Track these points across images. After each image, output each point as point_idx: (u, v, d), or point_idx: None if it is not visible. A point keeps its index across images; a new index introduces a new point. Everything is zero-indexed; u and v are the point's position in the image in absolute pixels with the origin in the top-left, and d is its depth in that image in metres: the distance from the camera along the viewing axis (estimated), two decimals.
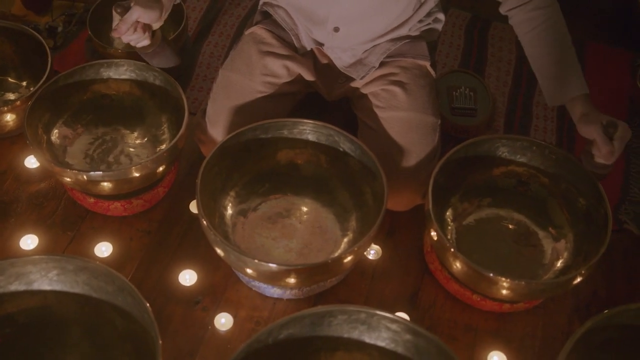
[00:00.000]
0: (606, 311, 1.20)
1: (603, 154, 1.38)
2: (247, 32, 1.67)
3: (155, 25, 1.48)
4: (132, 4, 1.41)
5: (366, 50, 1.59)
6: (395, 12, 1.50)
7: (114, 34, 1.43)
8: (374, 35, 1.56)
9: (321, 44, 1.61)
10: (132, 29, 1.42)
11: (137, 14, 1.40)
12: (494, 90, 2.05)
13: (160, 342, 1.13)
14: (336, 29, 1.54)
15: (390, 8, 1.49)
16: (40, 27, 2.09)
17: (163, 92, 1.68)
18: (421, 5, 1.52)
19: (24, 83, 1.92)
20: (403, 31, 1.55)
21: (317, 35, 1.59)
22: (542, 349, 1.50)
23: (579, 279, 1.38)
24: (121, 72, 1.69)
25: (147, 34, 1.47)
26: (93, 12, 2.01)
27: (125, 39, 1.45)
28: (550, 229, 1.60)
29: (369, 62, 1.59)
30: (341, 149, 1.54)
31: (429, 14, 1.55)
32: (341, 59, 1.61)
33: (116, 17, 1.43)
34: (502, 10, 1.49)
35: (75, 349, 1.35)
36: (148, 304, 1.18)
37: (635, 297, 1.60)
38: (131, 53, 1.92)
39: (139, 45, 1.49)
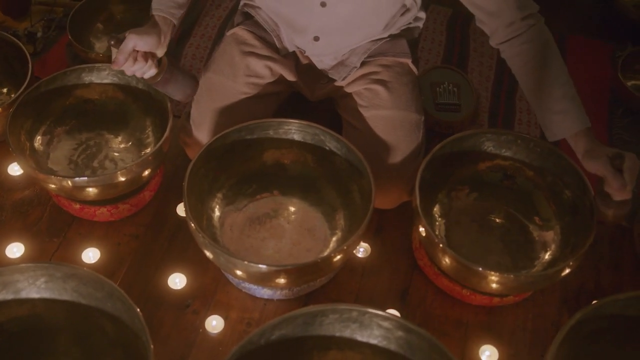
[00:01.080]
0: (595, 302, 1.21)
1: (615, 189, 1.31)
2: (228, 34, 1.66)
3: (160, 52, 1.45)
4: (126, 34, 1.38)
5: (347, 52, 1.58)
6: (376, 25, 1.51)
7: (113, 67, 1.39)
8: (354, 44, 1.56)
9: (302, 50, 1.60)
10: (131, 59, 1.38)
11: (133, 42, 1.37)
12: (477, 85, 2.06)
13: (152, 347, 1.13)
14: (316, 38, 1.54)
15: (371, 22, 1.49)
16: (19, 33, 2.07)
17: (146, 95, 1.67)
18: (403, 14, 1.51)
19: (5, 90, 1.90)
20: (384, 34, 1.56)
21: (298, 42, 1.59)
22: (532, 341, 1.51)
23: (567, 271, 1.39)
24: (103, 76, 1.68)
25: (150, 62, 1.43)
26: (73, 17, 1.99)
27: (128, 71, 1.41)
28: (537, 221, 1.60)
29: (350, 62, 1.60)
30: (327, 148, 1.54)
31: (407, 10, 1.55)
32: (323, 61, 1.61)
33: (113, 51, 1.39)
34: (492, 43, 1.45)
35: (66, 357, 1.34)
36: (138, 309, 1.18)
37: (623, 287, 1.61)
38: None
39: (146, 76, 1.45)
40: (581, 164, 1.38)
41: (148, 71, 1.44)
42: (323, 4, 1.44)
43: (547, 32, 1.40)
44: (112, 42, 1.38)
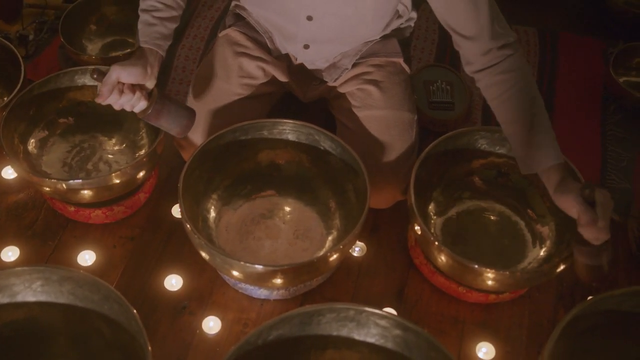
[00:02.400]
0: (591, 297, 1.21)
1: (585, 224, 1.23)
2: (220, 35, 1.66)
3: (149, 84, 1.40)
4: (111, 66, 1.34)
5: (339, 54, 1.59)
6: (366, 34, 1.51)
7: (98, 100, 1.34)
8: (345, 50, 1.56)
9: (294, 56, 1.61)
10: (116, 91, 1.33)
11: (116, 73, 1.32)
12: (470, 83, 2.05)
13: (150, 349, 1.13)
14: (306, 46, 1.54)
15: (359, 32, 1.49)
16: (10, 36, 2.07)
17: None
18: (394, 18, 1.51)
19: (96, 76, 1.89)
20: (376, 38, 1.56)
21: (289, 49, 1.60)
22: (529, 338, 1.51)
23: (562, 267, 1.40)
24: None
25: (139, 94, 1.37)
26: (64, 19, 1.99)
27: (116, 104, 1.36)
28: (531, 218, 1.61)
29: (342, 64, 1.60)
30: (322, 148, 1.54)
31: (399, 17, 1.55)
32: (314, 64, 1.61)
33: (98, 84, 1.35)
34: (468, 71, 1.41)
35: None
36: (135, 311, 1.17)
37: (617, 283, 1.62)
38: (105, 59, 1.91)
39: (136, 109, 1.40)
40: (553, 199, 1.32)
41: (137, 104, 1.38)
42: (309, 18, 1.45)
43: (525, 63, 1.37)
44: (95, 75, 1.34)
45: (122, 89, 1.34)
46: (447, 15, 1.36)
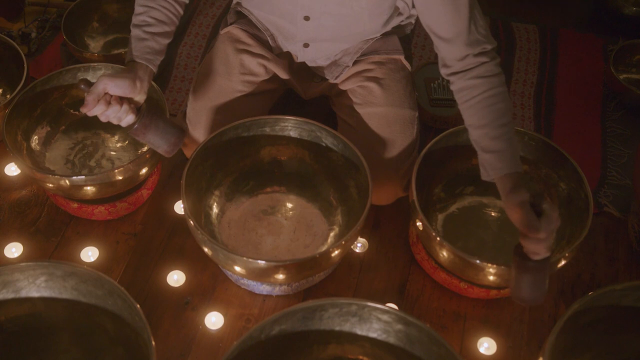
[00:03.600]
0: (592, 292, 1.22)
1: (528, 231, 1.20)
2: (222, 32, 1.66)
3: (139, 98, 1.37)
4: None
5: (340, 52, 1.59)
6: (364, 32, 1.51)
7: (82, 110, 1.31)
8: (345, 47, 1.56)
9: (295, 55, 1.61)
10: (103, 102, 1.31)
11: (103, 84, 1.30)
12: None
13: (154, 344, 1.13)
14: (306, 45, 1.54)
15: (357, 30, 1.49)
16: (13, 34, 2.07)
17: None
18: (393, 16, 1.52)
19: (0, 90, 1.90)
20: (376, 35, 1.56)
21: (289, 47, 1.60)
22: (530, 333, 1.52)
23: (562, 262, 1.40)
24: (99, 75, 1.67)
25: (126, 107, 1.34)
26: (67, 17, 1.99)
27: (102, 116, 1.33)
28: None
29: (343, 62, 1.60)
30: (324, 144, 1.55)
31: (399, 14, 1.56)
32: (315, 61, 1.61)
33: (86, 95, 1.32)
34: (443, 74, 1.40)
35: (67, 355, 1.34)
36: (139, 306, 1.18)
37: (618, 278, 1.63)
38: (108, 56, 1.91)
39: (123, 123, 1.36)
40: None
41: (124, 117, 1.35)
42: (306, 18, 1.45)
43: (499, 73, 1.35)
44: (82, 85, 1.33)
45: (110, 100, 1.32)
46: (427, 15, 1.37)
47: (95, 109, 1.31)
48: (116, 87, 1.31)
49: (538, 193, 1.23)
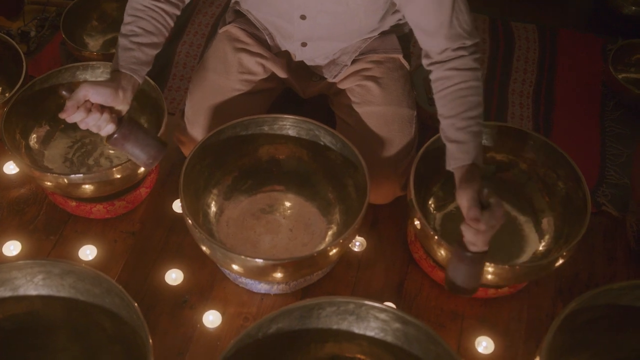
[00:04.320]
0: (589, 291, 1.22)
1: (467, 220, 1.24)
2: (221, 31, 1.66)
3: (121, 108, 1.35)
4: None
5: (338, 51, 1.59)
6: (361, 29, 1.51)
7: (61, 115, 1.30)
8: (343, 46, 1.56)
9: (293, 54, 1.61)
10: (83, 109, 1.29)
11: (84, 91, 1.29)
12: None
13: (151, 342, 1.13)
14: (303, 44, 1.55)
15: (354, 27, 1.49)
16: (12, 33, 2.07)
17: (141, 93, 1.67)
18: (393, 13, 1.52)
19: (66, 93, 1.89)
20: (374, 33, 1.56)
21: (287, 46, 1.60)
22: (527, 332, 1.52)
23: (560, 261, 1.41)
24: (97, 74, 1.68)
25: (107, 116, 1.32)
26: (66, 16, 1.99)
27: (82, 123, 1.31)
28: (530, 213, 1.62)
29: (341, 61, 1.60)
30: (322, 143, 1.55)
31: (396, 11, 1.56)
32: (314, 60, 1.61)
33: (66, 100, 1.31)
34: (424, 64, 1.41)
35: (64, 354, 1.34)
36: (136, 304, 1.18)
37: (616, 278, 1.63)
38: (107, 55, 1.91)
39: (103, 132, 1.34)
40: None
41: (104, 126, 1.33)
42: (303, 17, 1.45)
43: (476, 67, 1.36)
44: (64, 92, 1.31)
45: (90, 108, 1.30)
46: (409, 8, 1.38)
47: (74, 116, 1.30)
48: (97, 94, 1.30)
49: (489, 188, 1.25)
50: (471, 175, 1.30)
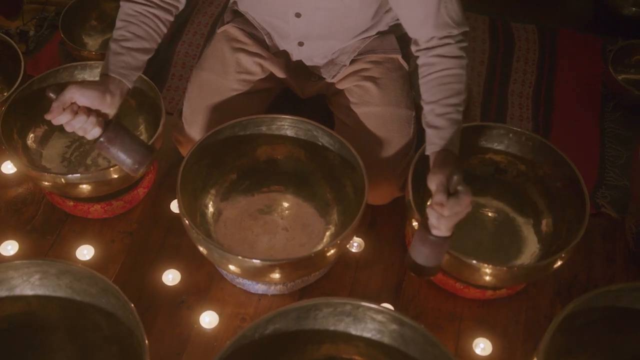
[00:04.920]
0: (587, 293, 1.21)
1: (432, 203, 1.24)
2: (219, 31, 1.66)
3: (109, 112, 1.35)
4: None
5: (337, 51, 1.59)
6: (355, 26, 1.50)
7: (47, 117, 1.30)
8: (340, 45, 1.56)
9: (290, 54, 1.61)
10: (69, 111, 1.28)
11: (71, 94, 1.28)
12: (469, 80, 2.06)
13: (147, 342, 1.13)
14: (300, 44, 1.54)
15: (349, 24, 1.49)
16: (11, 32, 2.07)
17: (139, 92, 1.67)
18: (387, 11, 1.51)
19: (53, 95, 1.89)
20: (372, 32, 1.56)
21: (284, 46, 1.60)
22: (526, 334, 1.52)
23: (559, 263, 1.40)
24: (96, 74, 1.68)
25: (93, 119, 1.31)
26: (65, 15, 1.99)
27: (67, 126, 1.30)
28: (529, 214, 1.61)
29: (340, 61, 1.60)
30: (320, 143, 1.55)
31: (390, 9, 1.55)
32: (312, 60, 1.61)
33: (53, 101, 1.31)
34: (412, 50, 1.42)
35: (61, 354, 1.34)
36: (133, 305, 1.18)
37: (615, 279, 1.62)
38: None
39: (89, 135, 1.33)
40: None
41: (90, 130, 1.32)
42: (298, 15, 1.45)
43: (461, 55, 1.37)
44: (50, 93, 1.30)
45: (77, 110, 1.29)
46: None
47: (60, 118, 1.29)
48: (84, 97, 1.29)
49: (460, 174, 1.25)
50: (444, 160, 1.31)
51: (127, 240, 1.64)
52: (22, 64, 1.72)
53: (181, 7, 1.46)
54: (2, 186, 1.73)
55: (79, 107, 1.30)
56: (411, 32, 1.41)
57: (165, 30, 1.44)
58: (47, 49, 2.09)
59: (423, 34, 1.37)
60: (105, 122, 1.35)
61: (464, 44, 1.37)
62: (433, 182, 1.25)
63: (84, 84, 1.32)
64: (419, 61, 1.40)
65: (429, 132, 1.36)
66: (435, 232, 1.27)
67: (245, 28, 1.61)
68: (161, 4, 1.43)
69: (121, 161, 1.38)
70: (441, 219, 1.24)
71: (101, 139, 1.34)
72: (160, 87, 1.94)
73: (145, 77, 1.62)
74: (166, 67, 2.05)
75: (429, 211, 1.25)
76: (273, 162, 1.62)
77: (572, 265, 1.62)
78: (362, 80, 1.58)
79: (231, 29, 1.63)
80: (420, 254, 1.31)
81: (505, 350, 1.49)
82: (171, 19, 1.45)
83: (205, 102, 1.59)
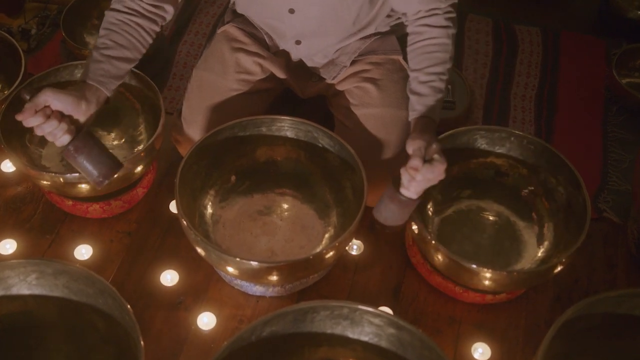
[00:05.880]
0: (587, 298, 1.21)
1: (407, 166, 1.27)
2: (219, 31, 1.65)
3: (81, 118, 1.32)
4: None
5: (337, 51, 1.58)
6: (350, 19, 1.49)
7: (18, 118, 1.26)
8: (338, 41, 1.55)
9: (289, 53, 1.60)
10: (41, 114, 1.25)
11: (45, 97, 1.26)
12: (471, 82, 2.05)
13: (142, 343, 1.13)
14: (297, 42, 1.54)
15: (343, 16, 1.48)
16: (13, 30, 2.07)
17: (139, 92, 1.67)
18: (381, 5, 1.50)
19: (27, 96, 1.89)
20: (370, 29, 1.55)
21: (282, 46, 1.59)
22: (525, 339, 1.51)
23: (559, 268, 1.39)
24: None
25: (64, 125, 1.28)
26: (66, 14, 1.99)
27: (38, 129, 1.27)
28: (530, 218, 1.60)
29: (340, 62, 1.59)
30: (320, 145, 1.54)
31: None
32: (313, 60, 1.60)
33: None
34: (404, 20, 1.46)
35: (58, 354, 1.34)
36: (129, 306, 1.18)
37: (616, 285, 1.61)
38: None
39: (58, 142, 1.30)
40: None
41: (60, 136, 1.29)
42: (291, 11, 1.45)
43: (447, 25, 1.39)
44: (25, 94, 1.28)
45: (49, 114, 1.27)
46: None
47: (32, 120, 1.26)
48: (58, 101, 1.27)
49: (439, 145, 1.29)
50: (425, 127, 1.35)
51: (125, 240, 1.63)
52: (23, 62, 1.72)
53: (168, 17, 1.45)
54: (1, 185, 1.73)
55: (52, 111, 1.28)
56: (399, 7, 1.45)
57: (150, 40, 1.43)
58: (48, 48, 2.08)
59: (411, 9, 1.41)
60: (76, 129, 1.32)
61: (451, 15, 1.40)
62: (410, 147, 1.29)
63: (60, 88, 1.29)
64: (408, 29, 1.44)
65: (412, 99, 1.40)
66: (404, 192, 1.31)
67: (245, 28, 1.61)
68: (147, 14, 1.41)
69: (86, 172, 1.35)
70: (412, 182, 1.28)
71: (69, 147, 1.31)
72: (161, 87, 1.93)
73: (145, 76, 1.61)
74: (167, 66, 2.04)
75: (402, 172, 1.30)
76: (273, 163, 1.62)
77: (573, 270, 1.61)
78: (362, 81, 1.57)
79: (231, 29, 1.62)
80: (387, 209, 1.36)
81: (504, 355, 1.48)
82: (157, 29, 1.44)
83: (204, 102, 1.59)
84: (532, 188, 1.60)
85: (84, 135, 1.32)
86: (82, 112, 1.31)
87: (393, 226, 1.39)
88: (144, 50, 1.43)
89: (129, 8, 1.40)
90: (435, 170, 1.26)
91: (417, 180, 1.27)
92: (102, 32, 1.40)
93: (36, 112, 1.26)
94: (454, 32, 1.40)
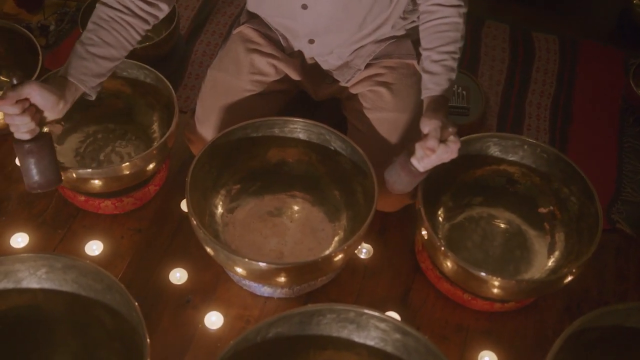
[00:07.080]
0: (595, 310, 1.20)
1: (424, 146, 1.29)
2: (234, 32, 1.66)
3: (50, 117, 1.32)
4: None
5: (352, 53, 1.58)
6: (362, 14, 1.48)
7: None
8: (352, 39, 1.54)
9: (304, 53, 1.60)
10: (19, 105, 1.25)
11: (29, 89, 1.25)
12: (486, 89, 2.04)
13: (148, 340, 1.13)
14: (311, 41, 1.53)
15: (355, 14, 1.47)
16: (32, 26, 2.09)
17: (154, 90, 1.67)
18: (396, 3, 1.50)
19: (15, 81, 1.91)
20: (386, 30, 1.54)
21: (296, 45, 1.59)
22: (533, 349, 1.50)
23: (569, 278, 1.38)
24: None
25: (32, 124, 1.28)
26: (85, 11, 2.00)
27: (7, 117, 1.27)
28: (541, 227, 1.59)
29: (355, 64, 1.59)
30: (332, 148, 1.54)
31: (412, 11, 1.54)
32: (327, 61, 1.60)
33: (10, 88, 1.27)
34: (417, 2, 1.46)
35: (64, 348, 1.35)
36: (136, 303, 1.18)
37: (627, 297, 1.60)
38: None
39: (17, 134, 1.29)
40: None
41: (23, 132, 1.29)
42: (304, 7, 1.44)
43: (459, 4, 1.39)
44: (14, 79, 1.26)
45: (26, 107, 1.26)
46: None
47: (8, 108, 1.25)
48: (40, 97, 1.27)
49: (454, 129, 1.31)
50: (439, 105, 1.36)
51: (136, 237, 1.64)
52: (40, 57, 1.73)
53: (162, 15, 1.44)
54: (16, 179, 1.74)
55: (30, 104, 1.27)
56: None
57: (139, 38, 1.41)
58: (66, 44, 2.10)
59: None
60: (39, 132, 1.32)
61: (464, 7, 1.41)
62: (427, 126, 1.30)
63: (45, 83, 1.29)
64: (420, 9, 1.43)
65: (424, 77, 1.40)
66: (415, 163, 1.34)
67: (260, 29, 1.61)
68: (139, 13, 1.38)
69: (28, 174, 1.35)
70: (425, 158, 1.31)
71: (26, 145, 1.31)
72: (176, 86, 1.94)
73: (160, 75, 1.62)
74: (183, 65, 2.05)
75: (417, 146, 1.32)
76: (284, 164, 1.62)
77: (583, 281, 1.60)
78: (376, 85, 1.57)
79: (246, 30, 1.62)
80: (397, 175, 1.39)
81: None
82: (148, 27, 1.42)
83: (218, 102, 1.59)
84: (544, 197, 1.58)
85: (43, 141, 1.32)
86: (57, 112, 1.32)
87: (400, 191, 1.43)
88: (130, 49, 1.41)
89: (121, 4, 1.37)
90: (450, 151, 1.30)
91: (430, 158, 1.31)
92: (90, 25, 1.37)
93: (17, 102, 1.26)
94: (465, 11, 1.40)
